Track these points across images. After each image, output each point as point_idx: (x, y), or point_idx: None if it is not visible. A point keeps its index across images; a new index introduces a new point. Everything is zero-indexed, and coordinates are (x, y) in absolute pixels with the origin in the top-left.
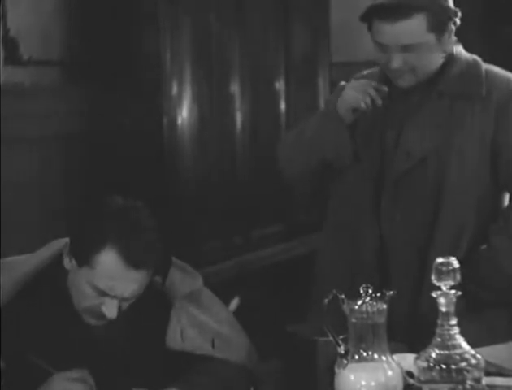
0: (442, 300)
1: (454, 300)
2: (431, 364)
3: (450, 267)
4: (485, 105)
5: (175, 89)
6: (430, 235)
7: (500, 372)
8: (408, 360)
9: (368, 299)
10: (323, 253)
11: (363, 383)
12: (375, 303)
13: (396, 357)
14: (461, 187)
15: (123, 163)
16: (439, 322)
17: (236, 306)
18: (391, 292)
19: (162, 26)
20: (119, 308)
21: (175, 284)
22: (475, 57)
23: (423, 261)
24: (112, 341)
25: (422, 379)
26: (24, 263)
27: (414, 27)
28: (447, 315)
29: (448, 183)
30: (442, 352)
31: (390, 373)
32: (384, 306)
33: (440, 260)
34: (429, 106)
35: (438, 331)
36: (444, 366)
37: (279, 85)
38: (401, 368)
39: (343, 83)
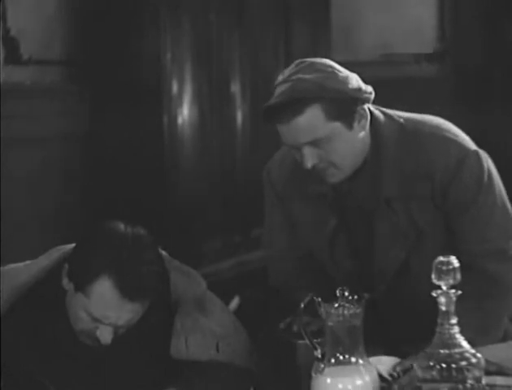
0: (442, 299)
1: (454, 299)
2: (432, 363)
3: (450, 266)
4: (434, 186)
5: (175, 89)
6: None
7: (500, 371)
8: (384, 363)
9: (344, 302)
10: None
11: (340, 386)
12: (351, 306)
13: (372, 359)
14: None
15: (123, 163)
16: (439, 321)
17: (236, 306)
18: (367, 295)
19: (162, 26)
20: (115, 333)
21: (178, 290)
22: (403, 126)
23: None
24: (114, 353)
25: (422, 377)
26: (24, 272)
27: (309, 121)
28: (447, 314)
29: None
30: (442, 351)
31: (367, 376)
32: (361, 309)
33: (440, 259)
34: (385, 221)
35: (438, 330)
36: (444, 365)
37: None
38: (377, 371)
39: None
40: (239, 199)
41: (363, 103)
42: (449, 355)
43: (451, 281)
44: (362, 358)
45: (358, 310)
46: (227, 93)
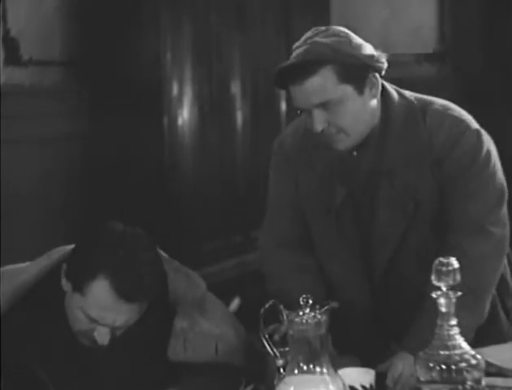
0: (442, 300)
1: (454, 300)
2: (431, 364)
3: (450, 267)
4: (432, 157)
5: (175, 90)
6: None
7: (500, 373)
8: (349, 374)
9: (308, 310)
10: None
11: None
12: (314, 315)
13: (344, 371)
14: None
15: (123, 163)
16: (438, 322)
17: (237, 306)
18: (332, 304)
19: (162, 26)
20: (113, 334)
21: (178, 292)
22: (413, 104)
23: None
24: (113, 354)
25: (422, 379)
26: (24, 272)
27: (322, 82)
28: (447, 315)
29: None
30: (442, 352)
31: (332, 387)
32: (325, 318)
33: (439, 260)
34: (386, 193)
35: (438, 331)
36: (444, 367)
37: None
38: (344, 382)
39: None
40: (239, 199)
41: (375, 71)
42: (449, 356)
43: (451, 282)
44: (327, 368)
45: (323, 319)
46: (227, 94)
